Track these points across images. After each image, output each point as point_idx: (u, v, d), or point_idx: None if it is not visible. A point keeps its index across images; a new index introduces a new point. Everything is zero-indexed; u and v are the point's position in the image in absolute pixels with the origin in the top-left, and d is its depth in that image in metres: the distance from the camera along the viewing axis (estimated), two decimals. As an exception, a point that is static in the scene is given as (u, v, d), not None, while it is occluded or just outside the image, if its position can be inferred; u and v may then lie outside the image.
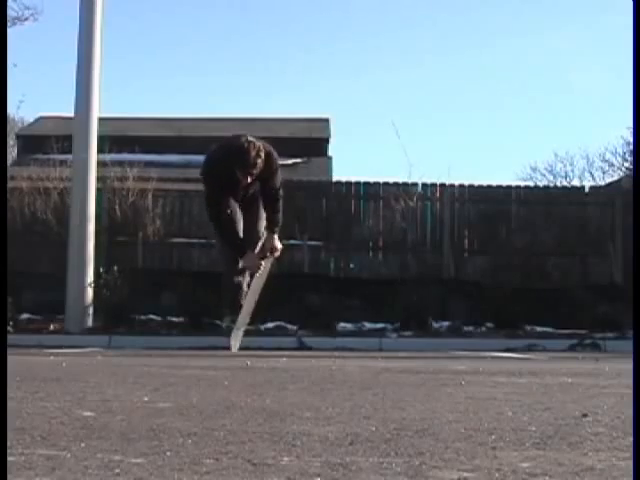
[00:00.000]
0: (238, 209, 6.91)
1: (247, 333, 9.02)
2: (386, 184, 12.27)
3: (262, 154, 6.51)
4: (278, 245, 7.12)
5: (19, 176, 12.00)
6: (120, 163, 11.69)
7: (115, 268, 9.76)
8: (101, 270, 9.71)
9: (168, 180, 12.00)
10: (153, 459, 1.82)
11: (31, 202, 11.29)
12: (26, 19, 14.77)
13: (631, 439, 2.15)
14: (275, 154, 7.00)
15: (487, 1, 50.51)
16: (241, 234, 6.82)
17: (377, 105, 50.31)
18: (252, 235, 7.01)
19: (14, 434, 2.13)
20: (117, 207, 11.38)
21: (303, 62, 51.82)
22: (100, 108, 9.65)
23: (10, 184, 11.08)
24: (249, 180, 6.67)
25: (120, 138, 14.01)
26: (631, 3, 8.02)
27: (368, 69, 52.48)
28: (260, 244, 7.04)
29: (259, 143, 6.61)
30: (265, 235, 7.04)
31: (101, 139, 9.81)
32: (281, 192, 7.12)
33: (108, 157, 11.56)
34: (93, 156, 9.49)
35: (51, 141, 13.06)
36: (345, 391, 3.42)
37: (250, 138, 6.61)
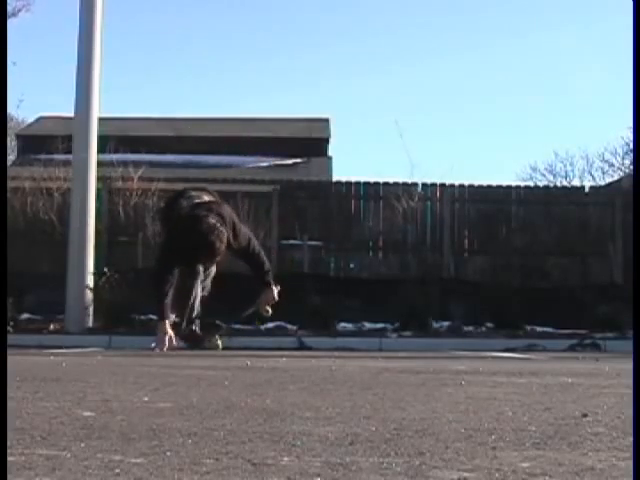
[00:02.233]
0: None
1: (247, 333, 9.04)
2: (386, 184, 12.28)
3: (224, 238, 6.68)
4: (275, 297, 7.31)
5: (21, 176, 12.00)
6: (121, 163, 11.68)
7: (116, 268, 9.75)
8: (104, 270, 9.70)
9: (168, 180, 12.01)
10: (153, 459, 1.82)
11: (34, 202, 11.28)
12: (19, 11, 14.76)
13: (631, 439, 2.15)
14: (234, 220, 7.11)
15: (487, 1, 50.54)
16: (168, 299, 6.91)
17: (377, 105, 50.40)
18: (181, 298, 7.16)
19: (14, 434, 2.13)
20: (118, 207, 11.37)
21: (303, 62, 51.86)
22: (100, 108, 9.67)
23: (12, 184, 11.08)
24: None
25: (120, 138, 14.01)
26: (631, 3, 8.02)
27: (368, 69, 52.55)
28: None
29: (222, 228, 6.76)
30: (263, 290, 7.31)
31: (101, 139, 9.81)
32: (254, 244, 7.25)
33: (108, 157, 11.56)
34: (93, 156, 9.49)
35: (55, 141, 13.06)
36: (345, 391, 3.42)
37: (213, 223, 6.71)
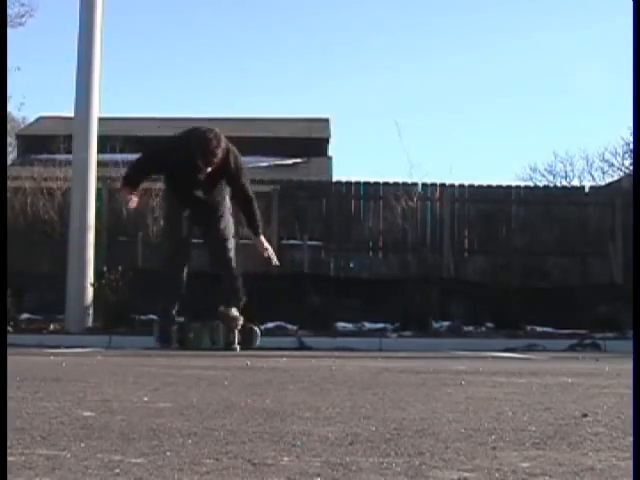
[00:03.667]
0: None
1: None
2: (386, 184, 12.27)
3: (223, 144, 6.72)
4: (267, 246, 7.37)
5: (22, 176, 11.99)
6: (122, 163, 11.67)
7: (115, 268, 9.74)
8: (104, 270, 9.69)
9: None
10: (153, 459, 1.82)
11: (34, 202, 11.27)
12: (22, 16, 14.78)
13: (631, 439, 2.15)
14: (236, 152, 7.21)
15: (487, 1, 50.56)
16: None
17: (377, 105, 50.41)
18: (218, 257, 7.27)
19: (14, 434, 2.13)
20: (118, 207, 11.36)
21: (303, 62, 51.88)
22: (100, 108, 9.66)
23: (13, 184, 11.07)
24: (208, 169, 6.84)
25: (121, 138, 13.99)
26: (631, 3, 8.02)
27: (368, 69, 52.57)
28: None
29: (221, 135, 6.91)
30: (254, 240, 7.46)
31: (101, 139, 9.81)
32: (251, 192, 7.34)
33: (108, 157, 11.55)
34: (93, 156, 9.48)
35: (55, 141, 13.03)
36: (345, 391, 3.42)
37: (211, 129, 6.92)
